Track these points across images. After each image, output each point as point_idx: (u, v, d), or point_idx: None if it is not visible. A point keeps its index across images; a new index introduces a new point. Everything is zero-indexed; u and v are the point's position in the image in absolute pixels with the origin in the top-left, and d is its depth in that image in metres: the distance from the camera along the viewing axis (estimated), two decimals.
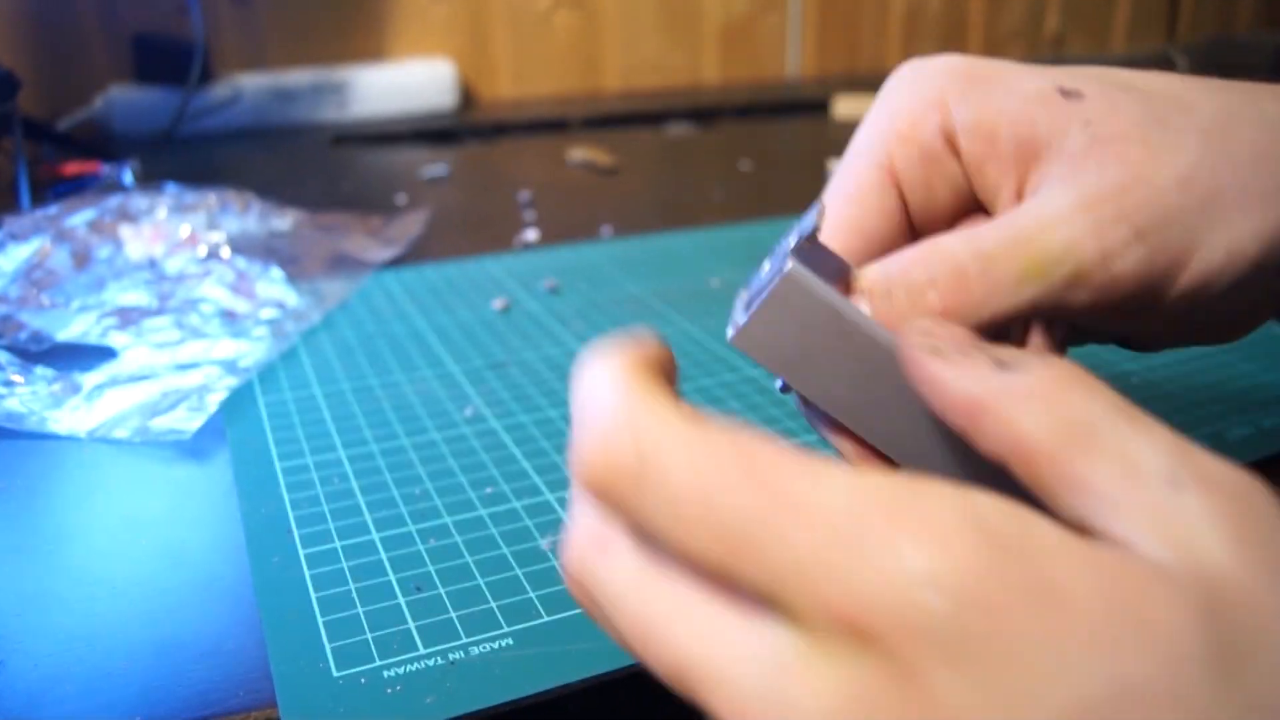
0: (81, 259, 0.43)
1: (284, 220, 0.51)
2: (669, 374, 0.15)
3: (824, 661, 0.12)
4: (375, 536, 0.27)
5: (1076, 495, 0.13)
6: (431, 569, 0.26)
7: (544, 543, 0.27)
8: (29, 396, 0.34)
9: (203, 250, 0.45)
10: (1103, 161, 0.18)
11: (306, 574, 0.26)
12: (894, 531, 0.12)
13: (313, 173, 0.67)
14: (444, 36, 0.88)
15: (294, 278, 0.44)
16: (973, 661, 0.11)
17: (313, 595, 0.25)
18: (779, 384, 0.20)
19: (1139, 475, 0.13)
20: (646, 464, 0.13)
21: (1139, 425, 0.13)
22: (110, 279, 0.42)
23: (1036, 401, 0.14)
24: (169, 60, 0.74)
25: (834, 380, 0.18)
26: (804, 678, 0.12)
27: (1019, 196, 0.20)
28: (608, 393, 0.14)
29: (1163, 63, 0.94)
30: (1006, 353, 0.15)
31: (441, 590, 0.25)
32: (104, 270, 0.43)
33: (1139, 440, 0.13)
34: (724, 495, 0.12)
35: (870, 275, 0.19)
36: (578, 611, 0.24)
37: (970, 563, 0.12)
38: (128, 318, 0.40)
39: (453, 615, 0.24)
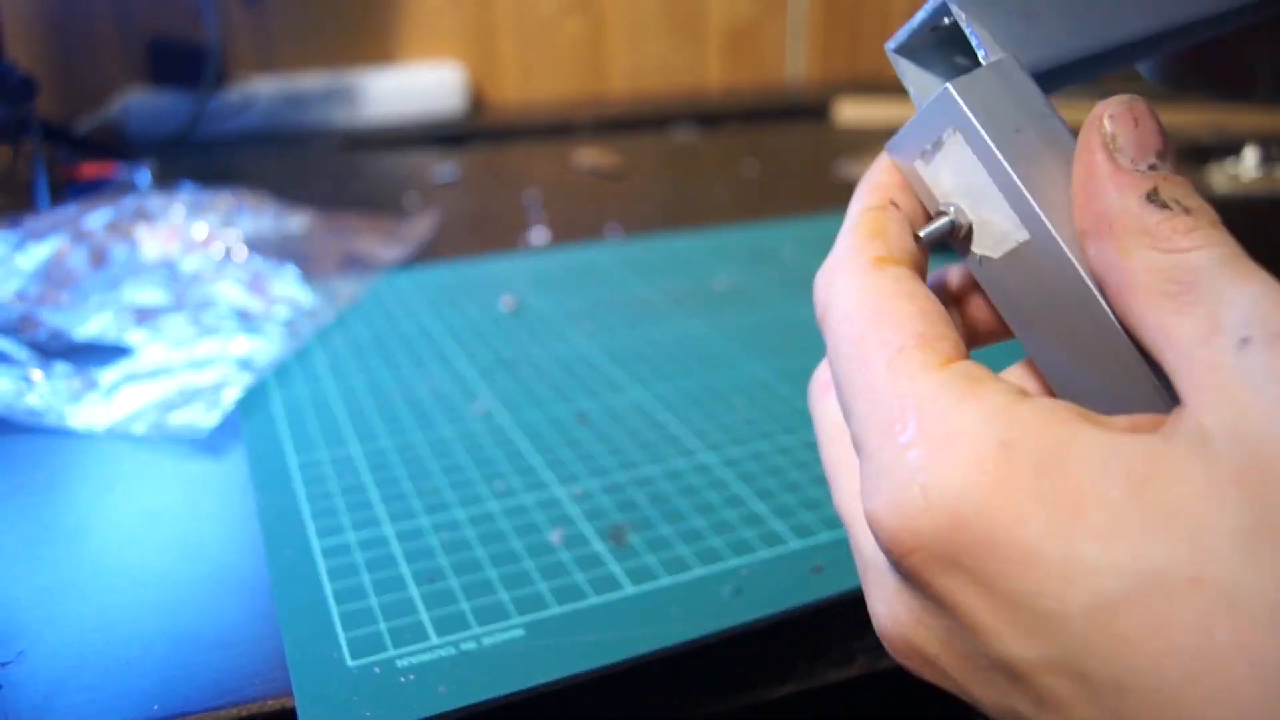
0: (99, 258, 0.44)
1: (297, 221, 0.51)
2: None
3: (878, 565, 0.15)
4: (388, 529, 0.28)
5: (1161, 346, 0.13)
6: (443, 561, 0.26)
7: (553, 535, 0.27)
8: (48, 393, 0.35)
9: (218, 250, 0.46)
10: None
11: (321, 566, 0.26)
12: (931, 439, 0.13)
13: (324, 175, 0.68)
14: (453, 41, 0.89)
15: (308, 277, 0.45)
16: (977, 568, 0.12)
17: (327, 587, 0.25)
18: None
19: (1215, 332, 0.13)
20: (826, 308, 0.16)
21: (1241, 277, 0.13)
22: (127, 278, 0.43)
23: (1157, 241, 0.14)
24: (183, 64, 0.75)
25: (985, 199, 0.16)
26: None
27: None
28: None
29: None
30: (1172, 187, 0.14)
31: (453, 582, 0.25)
32: (121, 269, 0.43)
33: (1230, 294, 0.13)
34: (839, 355, 0.16)
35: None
36: (586, 603, 0.24)
37: (973, 479, 0.12)
38: (144, 316, 0.40)
39: (464, 606, 0.24)
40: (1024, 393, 0.14)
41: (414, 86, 0.85)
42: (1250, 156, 0.60)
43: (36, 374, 0.36)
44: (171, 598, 0.25)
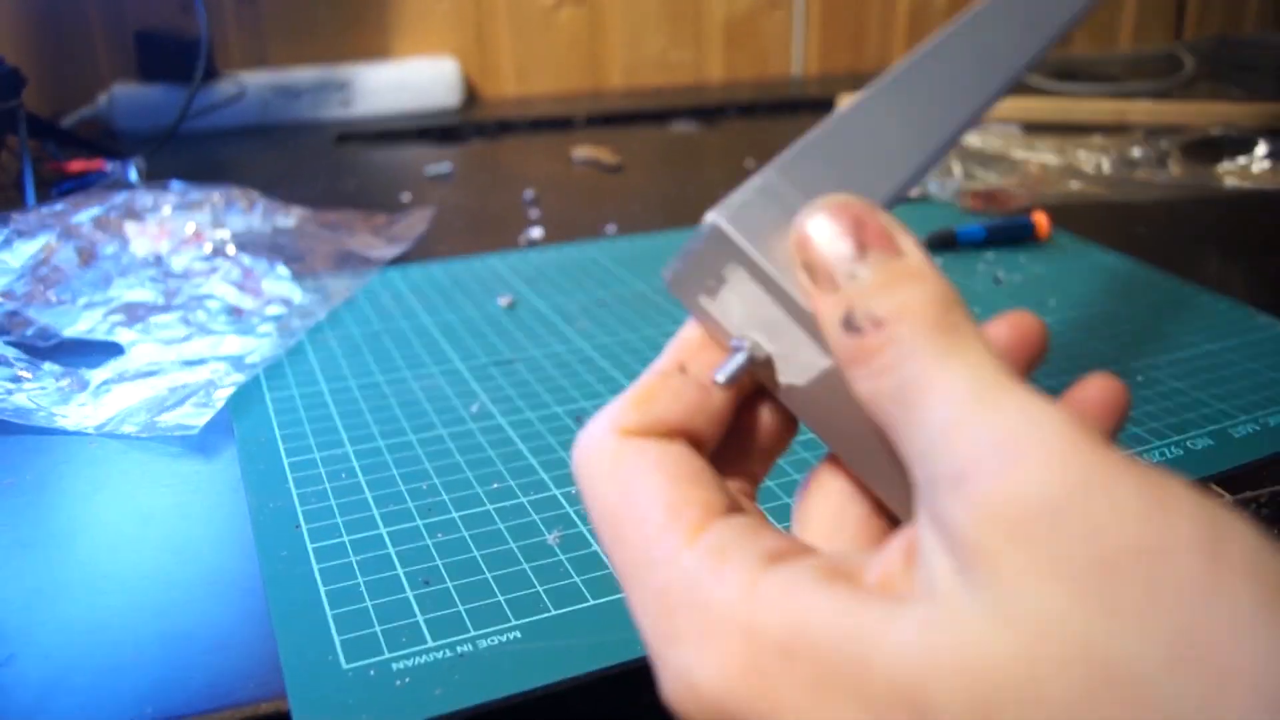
0: (87, 256, 0.43)
1: (289, 218, 0.51)
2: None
3: None
4: (383, 531, 0.27)
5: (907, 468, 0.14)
6: (439, 563, 0.26)
7: (550, 537, 0.27)
8: (37, 392, 0.34)
9: (208, 247, 0.45)
10: None
11: (315, 568, 0.26)
12: (687, 634, 0.14)
13: (317, 170, 0.67)
14: (448, 34, 0.88)
15: (300, 275, 0.44)
16: None
17: (321, 589, 0.25)
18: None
19: (911, 450, 0.13)
20: (580, 484, 0.16)
21: (926, 392, 0.13)
22: (116, 276, 0.42)
23: (864, 369, 0.14)
24: (173, 57, 0.74)
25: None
26: None
27: None
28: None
29: (1170, 61, 0.94)
30: (865, 300, 0.14)
31: (449, 584, 0.25)
32: (110, 267, 0.43)
33: (918, 414, 0.13)
34: (600, 532, 0.16)
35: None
36: (584, 605, 0.24)
37: (728, 673, 0.13)
38: (134, 314, 0.40)
39: (460, 608, 0.24)
40: (771, 556, 0.14)
41: (408, 80, 0.84)
42: (1261, 150, 0.61)
43: (25, 373, 0.35)
44: (164, 599, 0.25)
